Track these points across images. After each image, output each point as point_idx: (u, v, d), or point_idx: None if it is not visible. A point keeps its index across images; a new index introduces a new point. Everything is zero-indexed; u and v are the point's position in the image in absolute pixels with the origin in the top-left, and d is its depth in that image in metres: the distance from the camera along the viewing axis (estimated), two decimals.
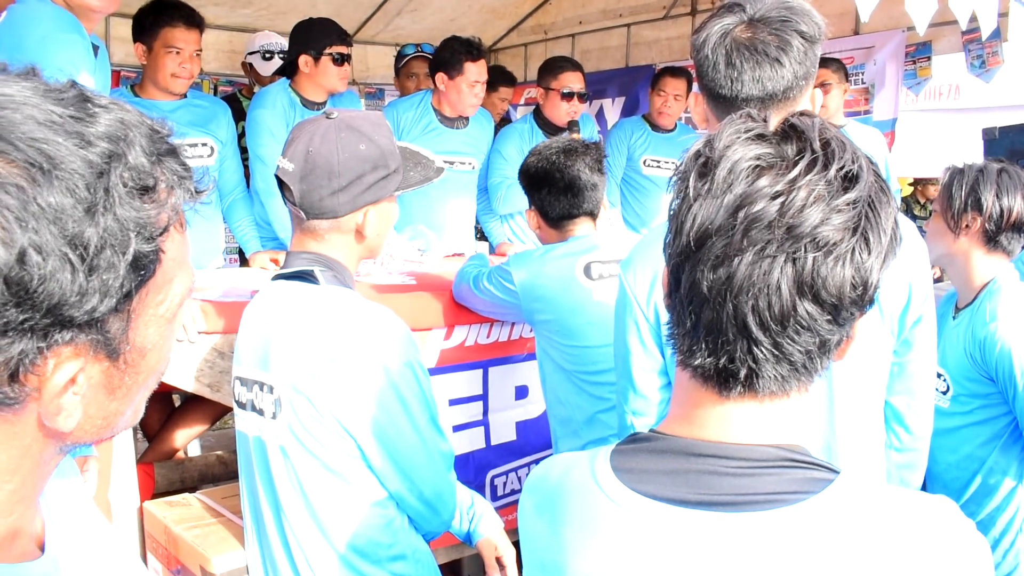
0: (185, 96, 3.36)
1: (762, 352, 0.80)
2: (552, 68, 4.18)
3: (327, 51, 3.52)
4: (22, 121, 0.61)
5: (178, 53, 3.19)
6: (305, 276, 1.68)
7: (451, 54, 3.73)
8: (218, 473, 2.93)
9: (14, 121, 0.61)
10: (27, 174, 0.60)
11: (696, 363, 0.84)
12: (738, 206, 0.78)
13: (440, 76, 3.75)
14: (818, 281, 0.77)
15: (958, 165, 2.42)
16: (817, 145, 0.80)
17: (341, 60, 3.55)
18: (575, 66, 4.24)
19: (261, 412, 1.69)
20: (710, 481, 0.83)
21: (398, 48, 4.76)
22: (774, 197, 0.77)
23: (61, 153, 0.61)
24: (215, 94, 5.03)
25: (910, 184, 7.88)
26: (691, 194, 0.81)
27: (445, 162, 2.36)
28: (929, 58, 4.77)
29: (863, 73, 4.79)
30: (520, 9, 6.10)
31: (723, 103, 1.49)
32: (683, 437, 0.87)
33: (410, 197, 3.57)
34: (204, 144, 3.39)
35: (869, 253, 0.79)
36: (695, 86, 1.59)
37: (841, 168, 0.79)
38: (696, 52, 1.50)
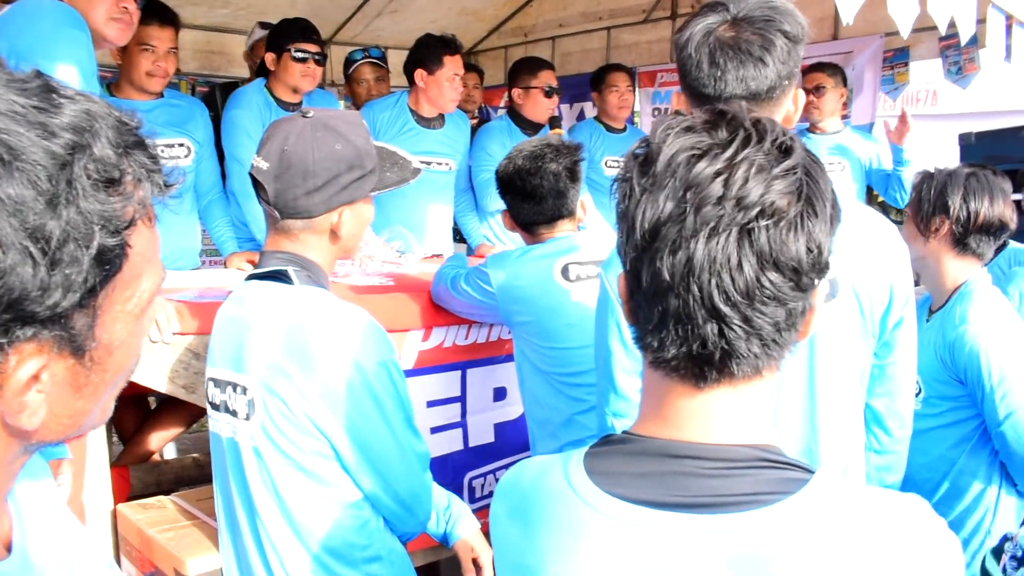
0: (162, 96, 3.33)
1: (733, 330, 0.80)
2: (531, 67, 4.28)
3: (288, 47, 3.52)
4: None
5: (152, 51, 3.16)
6: (279, 276, 1.66)
7: (429, 50, 3.74)
8: (194, 476, 2.90)
9: None
10: None
11: (669, 357, 0.84)
12: (684, 191, 0.79)
13: (419, 73, 3.75)
14: (776, 249, 0.79)
15: (929, 170, 2.44)
16: (748, 124, 0.83)
17: (304, 58, 3.54)
18: (550, 65, 4.38)
19: (234, 413, 1.68)
20: (686, 483, 0.83)
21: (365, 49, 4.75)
22: (716, 175, 0.79)
23: (22, 144, 0.60)
24: (193, 94, 5.01)
25: None
26: (636, 191, 0.83)
27: (422, 162, 2.35)
28: (907, 64, 4.82)
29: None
30: (500, 12, 6.11)
31: (706, 103, 1.48)
32: (658, 438, 0.86)
33: (387, 198, 3.56)
34: (181, 144, 3.37)
35: (816, 217, 0.81)
36: (677, 87, 1.59)
37: (775, 140, 0.82)
38: (679, 51, 1.50)
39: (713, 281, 0.79)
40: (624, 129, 4.82)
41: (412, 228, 3.51)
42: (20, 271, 0.59)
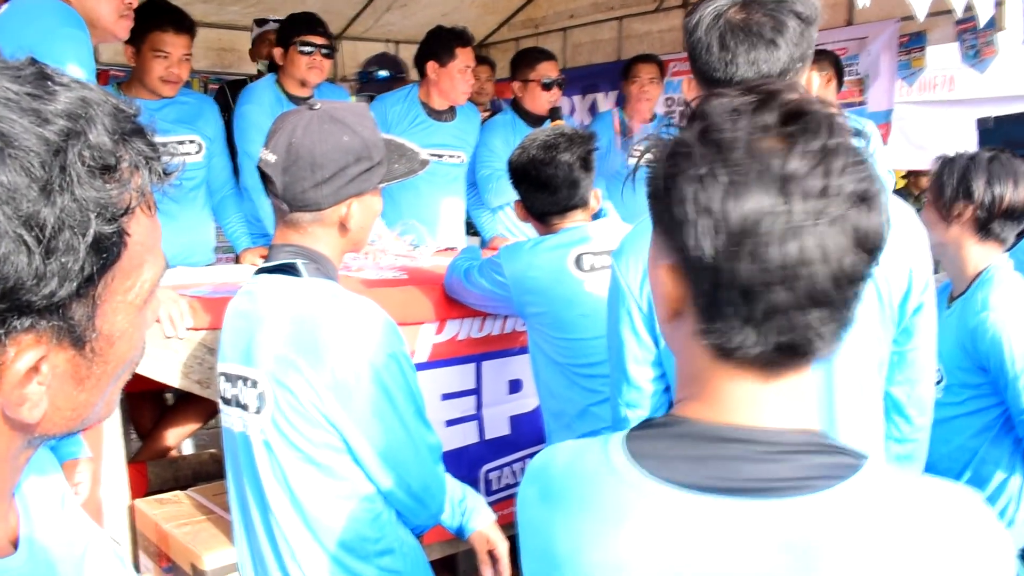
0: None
1: (827, 315, 0.81)
2: (528, 60, 4.22)
3: (294, 40, 3.54)
4: None
5: (166, 57, 3.16)
6: (288, 269, 1.66)
7: (441, 42, 3.74)
8: (211, 471, 2.91)
9: None
10: None
11: (757, 351, 0.82)
12: (782, 183, 0.78)
13: (431, 65, 3.75)
14: (872, 232, 0.80)
15: (949, 154, 2.41)
16: (818, 108, 0.82)
17: (310, 51, 3.55)
18: (549, 56, 4.30)
19: (245, 407, 1.67)
20: (735, 467, 0.81)
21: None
22: (815, 167, 0.78)
23: (15, 131, 0.59)
24: (205, 92, 5.02)
25: (903, 176, 7.87)
26: (721, 182, 0.79)
27: (434, 155, 2.35)
28: (923, 48, 4.75)
29: (856, 64, 4.77)
30: (511, 3, 6.09)
31: (717, 87, 1.46)
32: (706, 421, 0.85)
33: (400, 191, 3.57)
34: (192, 141, 3.37)
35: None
36: (689, 75, 1.57)
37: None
38: (689, 35, 1.48)
39: (822, 270, 0.78)
40: (652, 118, 4.74)
41: (425, 221, 3.50)
42: (14, 259, 0.59)
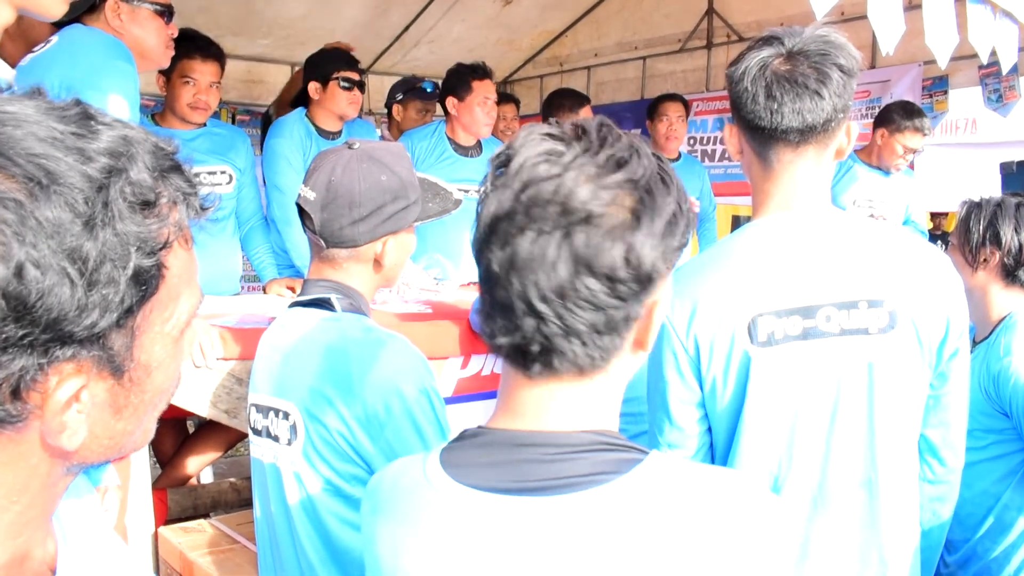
0: (204, 124, 3.40)
1: (549, 327, 0.85)
2: (572, 103, 4.29)
3: (335, 76, 3.60)
4: (22, 137, 0.62)
5: (194, 84, 3.23)
6: (322, 303, 1.69)
7: (458, 78, 3.84)
8: (231, 500, 2.93)
9: (15, 137, 0.62)
10: (26, 189, 0.60)
11: (497, 343, 0.89)
12: (521, 190, 0.85)
13: (450, 101, 3.83)
14: (590, 254, 0.83)
15: (974, 199, 2.41)
16: (594, 136, 0.88)
17: (349, 86, 3.62)
18: (587, 100, 4.39)
19: (276, 439, 1.69)
20: (528, 469, 0.89)
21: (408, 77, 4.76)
22: (550, 179, 0.84)
23: (60, 168, 0.62)
24: (233, 123, 5.10)
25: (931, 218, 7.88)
26: (488, 188, 0.89)
27: (461, 190, 2.38)
28: (946, 92, 4.79)
29: (880, 107, 4.80)
30: (536, 41, 6.18)
31: (761, 135, 1.52)
32: (505, 430, 0.93)
33: (425, 226, 3.59)
34: (223, 172, 3.43)
35: (639, 230, 0.85)
36: (728, 118, 1.60)
37: (611, 154, 0.86)
38: (734, 85, 1.52)
39: (531, 278, 0.84)
40: (678, 158, 4.77)
41: (449, 255, 3.53)
42: (58, 292, 0.61)
